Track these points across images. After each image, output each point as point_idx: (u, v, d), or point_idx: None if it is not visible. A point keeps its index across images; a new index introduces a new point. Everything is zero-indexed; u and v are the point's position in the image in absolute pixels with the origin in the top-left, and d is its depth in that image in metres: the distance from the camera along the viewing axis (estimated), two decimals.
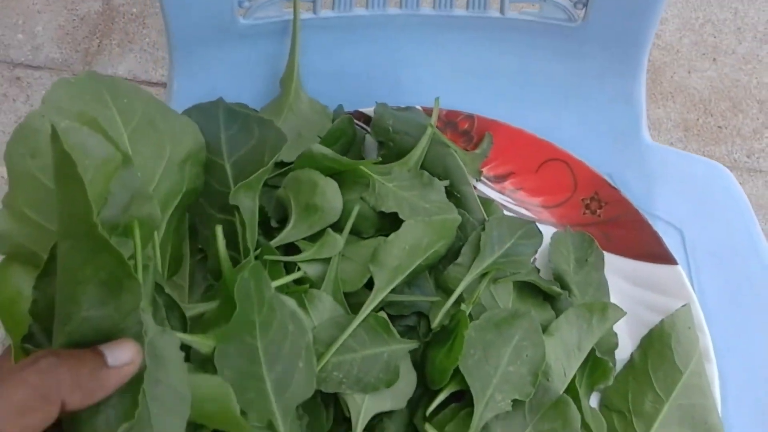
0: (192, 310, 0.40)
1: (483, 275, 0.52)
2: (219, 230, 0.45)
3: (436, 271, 0.54)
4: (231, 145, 0.52)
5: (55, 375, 0.29)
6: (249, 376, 0.40)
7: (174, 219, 0.45)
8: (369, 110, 0.60)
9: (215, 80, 0.64)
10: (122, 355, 0.31)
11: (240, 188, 0.47)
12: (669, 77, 1.20)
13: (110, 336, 0.31)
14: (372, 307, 0.48)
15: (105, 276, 0.30)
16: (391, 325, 0.48)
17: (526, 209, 0.60)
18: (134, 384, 0.31)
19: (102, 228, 0.29)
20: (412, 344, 0.49)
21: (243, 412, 0.39)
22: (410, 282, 0.52)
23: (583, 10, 0.63)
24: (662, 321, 0.54)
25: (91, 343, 0.31)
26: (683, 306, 0.54)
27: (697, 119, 1.17)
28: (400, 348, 0.48)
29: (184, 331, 0.37)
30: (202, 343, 0.39)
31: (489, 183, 0.62)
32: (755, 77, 1.20)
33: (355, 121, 0.61)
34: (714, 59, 1.21)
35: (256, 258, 0.47)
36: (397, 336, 0.48)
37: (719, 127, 1.17)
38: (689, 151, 1.13)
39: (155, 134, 0.44)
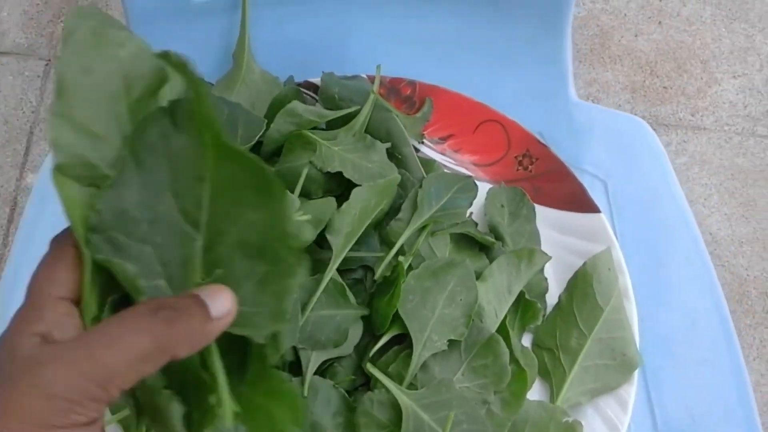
0: None
1: (422, 228, 0.56)
2: None
3: (380, 226, 0.57)
4: None
5: (173, 328, 0.29)
6: None
7: None
8: (317, 80, 0.63)
9: None
10: (222, 306, 0.30)
11: None
12: (617, 41, 1.23)
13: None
14: (332, 272, 0.51)
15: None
16: (348, 290, 0.52)
17: (465, 169, 0.64)
18: None
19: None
20: (363, 311, 0.53)
21: None
22: (358, 239, 0.56)
23: None
24: (585, 263, 0.57)
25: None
26: (604, 249, 0.58)
27: (644, 81, 1.21)
28: (353, 313, 0.52)
29: None
30: None
31: (431, 145, 0.65)
32: (698, 38, 1.24)
33: (305, 90, 0.64)
34: (660, 22, 1.24)
35: None
36: (352, 301, 0.52)
37: (665, 87, 1.20)
38: (636, 112, 1.17)
39: None
